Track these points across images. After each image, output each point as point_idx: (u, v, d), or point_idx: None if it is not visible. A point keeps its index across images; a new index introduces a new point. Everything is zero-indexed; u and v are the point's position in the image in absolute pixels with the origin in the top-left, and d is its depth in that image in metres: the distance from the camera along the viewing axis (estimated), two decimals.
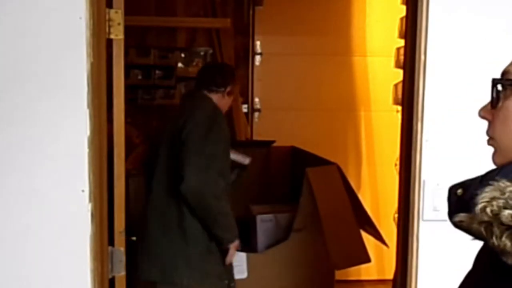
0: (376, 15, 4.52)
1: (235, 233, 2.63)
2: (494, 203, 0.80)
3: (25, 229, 1.87)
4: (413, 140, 1.99)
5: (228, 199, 2.57)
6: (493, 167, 0.94)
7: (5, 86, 1.83)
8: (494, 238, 0.80)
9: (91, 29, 1.82)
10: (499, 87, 0.92)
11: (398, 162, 2.39)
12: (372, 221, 3.75)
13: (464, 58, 1.94)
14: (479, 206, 0.82)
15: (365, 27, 4.57)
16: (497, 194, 0.81)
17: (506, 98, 0.91)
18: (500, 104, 0.92)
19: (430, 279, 1.99)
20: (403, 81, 2.22)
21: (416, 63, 1.97)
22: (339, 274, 3.92)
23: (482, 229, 0.81)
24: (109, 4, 1.96)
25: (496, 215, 0.80)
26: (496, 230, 0.80)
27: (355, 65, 4.63)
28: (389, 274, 3.54)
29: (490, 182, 0.83)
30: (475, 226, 0.83)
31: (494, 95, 0.92)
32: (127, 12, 2.00)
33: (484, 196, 0.82)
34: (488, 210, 0.80)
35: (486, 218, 0.81)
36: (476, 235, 0.84)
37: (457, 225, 0.86)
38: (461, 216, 0.85)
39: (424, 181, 1.96)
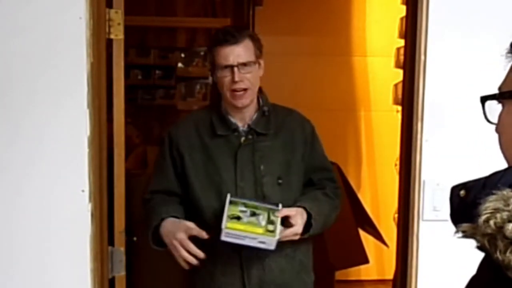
0: (376, 15, 4.52)
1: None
2: (498, 215, 0.77)
3: (25, 229, 1.87)
4: (413, 140, 1.99)
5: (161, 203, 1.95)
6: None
7: (4, 86, 1.83)
8: (498, 253, 0.77)
9: (91, 29, 1.83)
10: (495, 102, 0.90)
11: (398, 162, 2.39)
12: (372, 221, 3.75)
13: (464, 58, 1.94)
14: (482, 217, 0.78)
15: (365, 27, 4.56)
16: (500, 205, 0.78)
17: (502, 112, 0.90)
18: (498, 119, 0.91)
19: (430, 279, 1.99)
20: (403, 81, 2.22)
21: (416, 63, 1.97)
22: (339, 274, 3.92)
23: (486, 242, 0.78)
24: (109, 4, 1.96)
25: (500, 228, 0.77)
26: (500, 244, 0.77)
27: (355, 65, 4.62)
28: (389, 274, 3.55)
29: (494, 191, 0.80)
30: (478, 238, 0.80)
31: (487, 110, 0.92)
32: (127, 12, 2.00)
33: (488, 206, 0.78)
34: (491, 222, 0.77)
35: (489, 231, 0.78)
36: (480, 247, 0.81)
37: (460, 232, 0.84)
38: (464, 226, 0.83)
39: (424, 181, 1.96)
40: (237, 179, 1.90)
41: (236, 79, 1.86)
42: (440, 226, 1.92)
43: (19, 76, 1.83)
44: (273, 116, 1.99)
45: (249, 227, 1.77)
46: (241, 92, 1.89)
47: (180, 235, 1.79)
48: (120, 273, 2.06)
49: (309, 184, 2.03)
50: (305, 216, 1.86)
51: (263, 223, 1.78)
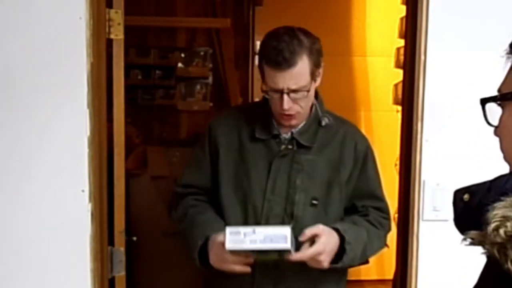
0: (376, 15, 4.52)
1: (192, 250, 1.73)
2: (508, 224, 0.74)
3: (25, 229, 1.87)
4: (413, 140, 1.99)
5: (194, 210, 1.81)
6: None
7: (5, 86, 1.83)
8: (509, 263, 0.74)
9: (91, 29, 1.82)
10: (495, 104, 0.89)
11: (398, 162, 2.39)
12: None
13: (464, 58, 1.94)
14: (492, 225, 0.75)
15: (365, 27, 4.57)
16: (510, 213, 0.75)
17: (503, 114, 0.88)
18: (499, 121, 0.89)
19: (430, 279, 1.99)
20: (403, 81, 2.22)
21: (416, 63, 1.97)
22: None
23: (495, 251, 0.76)
24: (109, 4, 1.96)
25: (510, 237, 0.74)
26: (511, 254, 0.74)
27: (355, 65, 4.62)
28: (389, 274, 3.54)
29: (502, 198, 0.77)
30: (487, 246, 0.77)
31: (488, 113, 0.90)
32: (127, 12, 2.00)
33: (496, 214, 0.76)
34: (501, 231, 0.74)
35: (499, 240, 0.75)
36: (488, 255, 0.78)
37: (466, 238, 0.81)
38: (472, 234, 0.80)
39: (424, 181, 1.96)
40: (267, 190, 1.71)
41: (285, 107, 1.64)
42: (440, 226, 1.92)
43: (19, 76, 1.83)
44: (324, 127, 1.78)
45: None
46: (290, 115, 1.69)
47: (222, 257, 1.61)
48: (120, 273, 2.05)
49: (351, 212, 1.79)
50: (335, 238, 1.63)
51: None
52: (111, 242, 2.03)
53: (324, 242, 1.59)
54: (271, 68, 1.62)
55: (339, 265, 1.66)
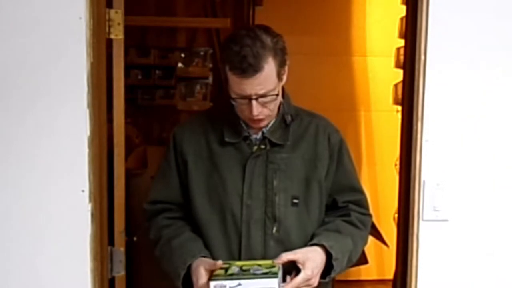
0: (376, 15, 4.53)
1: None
2: None
3: (25, 229, 1.87)
4: (413, 140, 1.99)
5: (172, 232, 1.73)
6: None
7: (5, 86, 1.83)
8: None
9: (91, 29, 1.82)
10: None
11: (398, 162, 2.39)
12: (373, 221, 3.75)
13: (464, 58, 1.94)
14: None
15: (365, 27, 4.57)
16: None
17: None
18: None
19: (430, 279, 1.99)
20: (403, 81, 2.22)
21: (416, 63, 1.97)
22: (339, 274, 3.92)
23: None
24: (109, 4, 1.96)
25: None
26: None
27: (355, 65, 4.63)
28: (389, 274, 3.55)
29: None
30: None
31: None
32: (127, 12, 2.00)
33: None
34: None
35: None
36: None
37: None
38: None
39: (424, 181, 1.96)
40: (243, 195, 1.66)
41: (255, 113, 1.59)
42: (440, 226, 1.91)
43: (19, 76, 1.83)
44: (294, 123, 1.74)
45: None
46: (260, 119, 1.65)
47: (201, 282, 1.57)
48: (120, 273, 2.06)
49: (332, 207, 1.77)
50: (321, 256, 1.62)
51: None
52: (111, 242, 2.03)
53: (310, 267, 1.58)
54: (236, 76, 1.55)
55: (327, 280, 1.67)
